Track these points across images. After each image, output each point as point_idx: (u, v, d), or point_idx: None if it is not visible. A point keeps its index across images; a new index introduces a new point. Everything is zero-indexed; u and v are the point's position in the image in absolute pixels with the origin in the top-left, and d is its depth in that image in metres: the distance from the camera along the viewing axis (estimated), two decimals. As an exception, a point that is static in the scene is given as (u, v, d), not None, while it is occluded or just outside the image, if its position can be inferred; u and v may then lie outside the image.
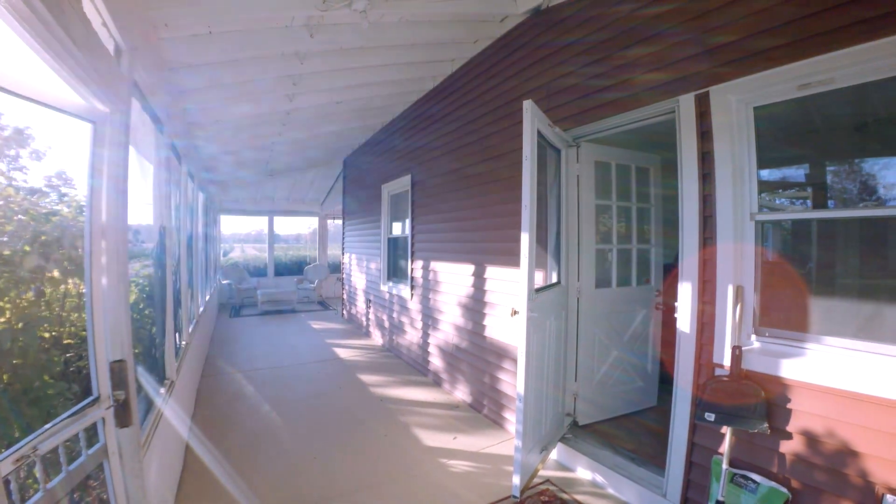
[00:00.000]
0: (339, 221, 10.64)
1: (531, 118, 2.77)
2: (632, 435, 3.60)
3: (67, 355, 2.58)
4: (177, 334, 3.79)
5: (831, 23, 2.06)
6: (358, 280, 8.91)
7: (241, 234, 24.41)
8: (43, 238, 2.48)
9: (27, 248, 2.39)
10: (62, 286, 2.65)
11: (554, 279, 3.67)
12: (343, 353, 6.90)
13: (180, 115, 4.12)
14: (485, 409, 4.41)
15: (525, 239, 2.77)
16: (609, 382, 3.90)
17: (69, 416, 1.50)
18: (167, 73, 3.40)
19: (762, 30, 2.31)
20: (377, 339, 7.69)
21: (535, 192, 2.82)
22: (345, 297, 9.96)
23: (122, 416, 1.72)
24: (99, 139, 1.74)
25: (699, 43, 2.61)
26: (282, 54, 3.79)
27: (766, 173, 3.23)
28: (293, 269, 14.90)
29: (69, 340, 2.65)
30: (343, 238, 10.12)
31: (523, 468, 2.79)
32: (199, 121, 4.74)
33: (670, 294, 3.53)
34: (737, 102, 2.44)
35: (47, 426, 1.41)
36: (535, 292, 2.99)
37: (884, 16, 1.90)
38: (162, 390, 2.92)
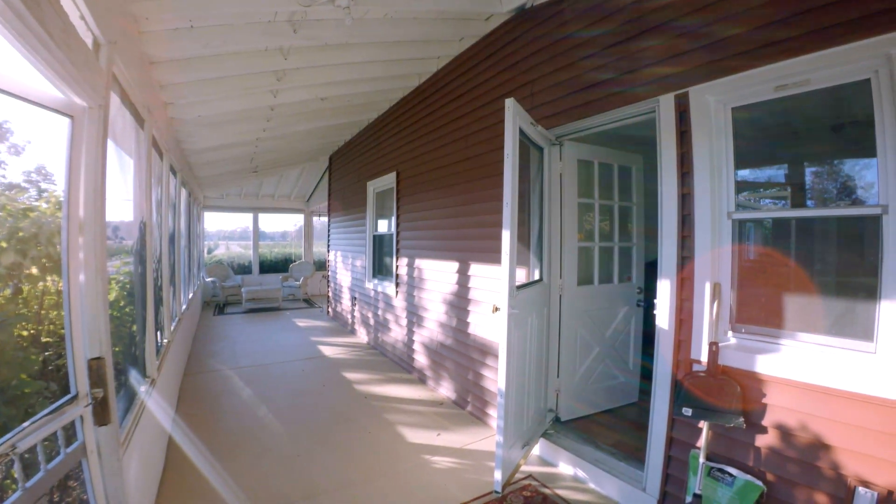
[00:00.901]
0: (325, 218, 10.57)
1: (513, 116, 2.79)
2: (613, 430, 3.65)
3: (46, 354, 2.54)
4: (158, 332, 3.74)
5: (807, 25, 2.11)
6: (343, 277, 8.88)
7: (227, 230, 24.11)
8: (20, 234, 2.44)
9: (3, 244, 2.35)
10: (40, 283, 2.61)
11: (536, 276, 3.70)
12: (328, 351, 6.87)
13: (161, 109, 4.06)
14: (469, 405, 4.43)
15: (506, 236, 2.79)
16: (591, 378, 3.95)
17: (47, 414, 1.49)
18: (148, 67, 3.35)
19: (740, 32, 2.36)
20: (362, 336, 7.67)
21: (516, 190, 2.84)
22: (330, 294, 9.92)
23: (101, 413, 1.71)
24: (77, 134, 1.72)
25: (680, 44, 2.66)
26: (265, 49, 3.76)
27: (746, 173, 3.28)
28: (278, 266, 14.74)
29: (48, 339, 2.61)
30: (329, 235, 10.06)
31: (505, 463, 2.82)
32: (181, 116, 4.68)
33: (651, 291, 3.58)
34: (715, 103, 2.49)
35: (25, 424, 1.40)
36: (517, 289, 3.01)
37: (857, 20, 1.95)
38: (143, 388, 2.89)
